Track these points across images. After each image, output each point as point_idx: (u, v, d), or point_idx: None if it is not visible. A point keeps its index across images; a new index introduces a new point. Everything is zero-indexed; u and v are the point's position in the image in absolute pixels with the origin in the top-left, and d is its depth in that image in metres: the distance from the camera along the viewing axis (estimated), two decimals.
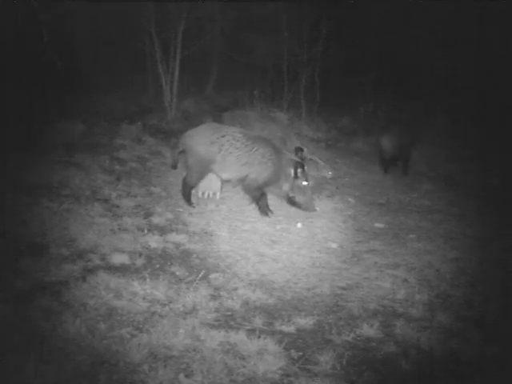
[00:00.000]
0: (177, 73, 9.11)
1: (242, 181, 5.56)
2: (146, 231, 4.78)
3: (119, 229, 4.75)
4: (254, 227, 5.23)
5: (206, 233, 4.99)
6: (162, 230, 4.88)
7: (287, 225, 5.38)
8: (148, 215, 5.18)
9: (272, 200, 6.08)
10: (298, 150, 6.46)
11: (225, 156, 5.40)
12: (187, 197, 5.60)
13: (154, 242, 4.58)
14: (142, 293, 3.66)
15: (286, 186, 5.51)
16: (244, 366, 2.97)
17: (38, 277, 3.70)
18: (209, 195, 5.88)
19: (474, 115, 9.64)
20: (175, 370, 2.87)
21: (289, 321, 3.50)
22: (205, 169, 5.52)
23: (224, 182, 5.77)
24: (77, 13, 8.97)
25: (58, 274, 3.79)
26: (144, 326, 3.27)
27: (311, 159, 6.70)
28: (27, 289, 3.52)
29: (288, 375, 2.94)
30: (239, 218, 5.42)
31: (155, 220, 5.09)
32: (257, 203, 5.59)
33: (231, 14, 10.08)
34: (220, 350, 3.10)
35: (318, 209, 5.69)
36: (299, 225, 5.36)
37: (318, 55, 9.82)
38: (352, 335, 3.39)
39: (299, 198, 5.51)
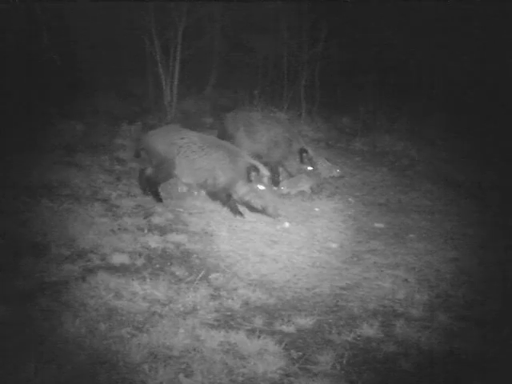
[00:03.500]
0: (177, 73, 9.10)
1: (202, 186, 5.53)
2: (146, 231, 4.78)
3: (119, 229, 4.75)
4: (254, 227, 5.23)
5: (206, 233, 4.98)
6: (162, 230, 4.88)
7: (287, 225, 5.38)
8: (148, 215, 5.18)
9: None
10: (303, 151, 6.46)
11: (181, 159, 5.41)
12: (155, 194, 5.56)
13: (153, 242, 4.58)
14: (141, 293, 3.66)
15: (241, 190, 5.36)
16: (244, 366, 2.97)
17: (37, 277, 3.70)
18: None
19: (474, 115, 9.63)
20: (175, 369, 2.88)
21: (289, 321, 3.50)
22: (168, 170, 5.48)
23: (186, 185, 5.71)
24: (77, 13, 8.97)
25: (58, 274, 3.79)
26: (144, 325, 3.27)
27: (316, 160, 6.68)
28: (27, 289, 3.52)
29: (288, 375, 2.94)
30: (239, 218, 5.42)
31: (155, 220, 5.09)
32: (226, 206, 5.48)
33: (231, 14, 10.07)
34: (220, 349, 3.10)
35: (282, 213, 5.48)
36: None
37: (318, 55, 9.81)
38: (352, 335, 3.39)
39: (256, 203, 5.34)
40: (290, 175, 6.60)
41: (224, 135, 6.69)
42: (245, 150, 6.47)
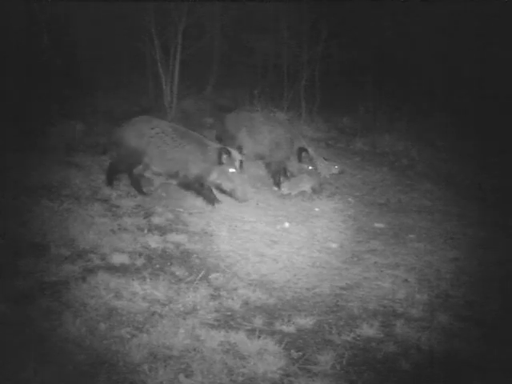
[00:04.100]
0: (177, 73, 9.10)
1: (173, 177, 5.59)
2: (146, 231, 4.78)
3: (119, 229, 4.75)
4: (254, 227, 5.23)
5: (205, 233, 4.98)
6: (162, 230, 4.88)
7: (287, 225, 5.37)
8: (148, 215, 5.18)
9: (272, 200, 6.10)
10: (302, 150, 6.45)
11: (153, 149, 5.47)
12: (110, 180, 5.73)
13: (153, 242, 4.58)
14: (141, 293, 3.66)
15: (213, 176, 5.44)
16: (244, 366, 2.97)
17: (37, 277, 3.70)
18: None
19: (473, 115, 9.63)
20: (175, 370, 2.88)
21: (289, 321, 3.50)
22: (135, 160, 5.57)
23: (155, 175, 5.76)
24: (77, 13, 8.97)
25: (57, 274, 3.79)
26: (144, 326, 3.27)
27: (316, 160, 6.67)
28: (27, 289, 3.52)
29: (288, 375, 2.94)
30: (239, 218, 5.42)
31: (155, 220, 5.08)
32: (201, 195, 5.56)
33: (231, 14, 10.07)
34: (220, 349, 3.10)
35: (249, 198, 5.57)
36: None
37: (318, 55, 9.81)
38: (352, 335, 3.39)
39: (226, 186, 5.42)
40: (292, 175, 6.60)
41: (224, 135, 6.69)
42: (247, 150, 6.51)
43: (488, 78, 9.89)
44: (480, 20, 9.65)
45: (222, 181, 5.43)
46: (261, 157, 6.65)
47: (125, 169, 5.72)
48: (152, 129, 5.52)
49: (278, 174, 6.63)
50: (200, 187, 5.54)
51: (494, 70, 9.77)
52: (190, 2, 8.69)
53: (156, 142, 5.47)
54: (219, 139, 6.61)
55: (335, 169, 6.86)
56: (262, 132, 6.57)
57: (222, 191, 5.51)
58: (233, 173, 5.36)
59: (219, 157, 5.33)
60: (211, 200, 5.54)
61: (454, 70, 10.20)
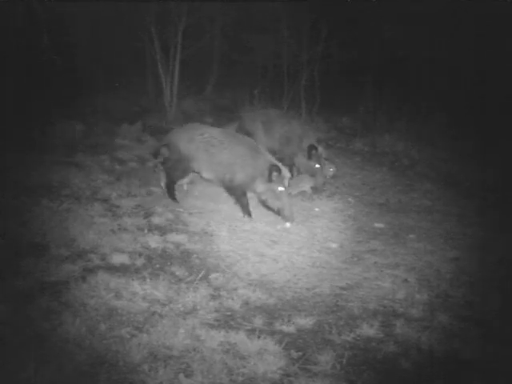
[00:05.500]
0: (177, 73, 9.11)
1: (222, 181, 5.52)
2: (146, 231, 4.78)
3: (119, 229, 4.74)
4: (254, 227, 5.22)
5: (205, 233, 4.98)
6: (162, 230, 4.88)
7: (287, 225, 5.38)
8: (148, 215, 5.18)
9: None
10: (312, 148, 6.45)
11: (201, 154, 5.45)
12: (171, 192, 5.67)
13: (153, 242, 4.58)
14: (141, 293, 3.66)
15: (260, 188, 5.33)
16: (244, 366, 2.97)
17: (37, 277, 3.70)
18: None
19: (473, 115, 9.63)
20: (175, 370, 2.88)
21: (289, 321, 3.50)
22: (185, 166, 5.56)
23: (207, 181, 5.76)
24: (77, 13, 8.97)
25: (57, 274, 3.79)
26: (144, 326, 3.27)
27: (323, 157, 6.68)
28: (27, 289, 3.52)
29: (288, 375, 2.94)
30: (239, 217, 5.42)
31: (155, 220, 5.08)
32: (239, 203, 5.47)
33: (231, 14, 10.08)
34: (220, 350, 3.10)
35: (295, 218, 5.41)
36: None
37: (317, 55, 9.81)
38: (352, 335, 3.39)
39: (273, 204, 5.30)
40: (299, 172, 6.61)
41: (242, 134, 6.74)
42: (262, 146, 6.55)
43: (488, 78, 9.88)
44: (480, 20, 9.65)
45: (268, 197, 5.30)
46: (273, 151, 6.69)
47: (179, 176, 5.65)
48: (202, 134, 5.50)
49: (292, 168, 6.66)
50: (242, 196, 5.44)
51: (494, 70, 9.76)
52: (189, 2, 8.69)
53: (204, 146, 5.43)
54: None
55: (330, 171, 6.86)
56: (274, 127, 6.64)
57: (268, 208, 5.39)
58: (281, 191, 5.25)
59: (269, 174, 5.21)
60: (247, 212, 5.43)
61: (454, 70, 10.19)
